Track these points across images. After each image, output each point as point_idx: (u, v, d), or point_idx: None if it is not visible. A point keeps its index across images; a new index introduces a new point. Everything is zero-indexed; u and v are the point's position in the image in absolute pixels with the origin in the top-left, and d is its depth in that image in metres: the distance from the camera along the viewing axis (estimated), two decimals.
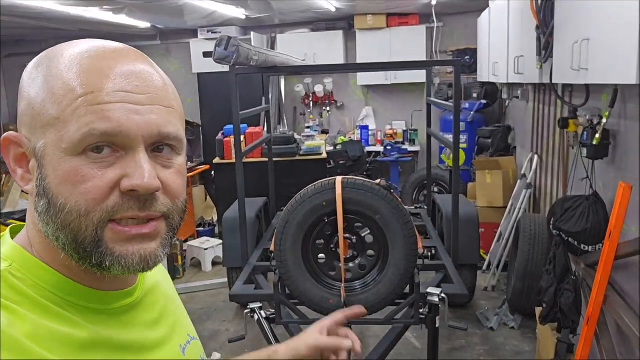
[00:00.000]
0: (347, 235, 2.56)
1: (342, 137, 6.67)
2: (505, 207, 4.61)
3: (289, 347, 0.98)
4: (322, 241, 2.59)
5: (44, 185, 0.61)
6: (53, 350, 0.57)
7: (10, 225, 0.71)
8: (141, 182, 0.60)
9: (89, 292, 0.65)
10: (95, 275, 0.64)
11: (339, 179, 2.48)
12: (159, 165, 0.64)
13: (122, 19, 5.39)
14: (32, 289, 0.61)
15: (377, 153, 6.52)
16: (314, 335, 0.99)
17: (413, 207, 4.66)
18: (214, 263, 5.12)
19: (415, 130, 6.72)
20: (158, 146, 0.64)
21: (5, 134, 0.64)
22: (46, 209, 0.61)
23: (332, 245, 2.59)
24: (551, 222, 2.73)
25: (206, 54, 3.53)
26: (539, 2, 2.71)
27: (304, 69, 4.31)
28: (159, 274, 0.82)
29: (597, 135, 2.52)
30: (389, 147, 6.40)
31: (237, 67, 2.94)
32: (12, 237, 0.68)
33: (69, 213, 0.59)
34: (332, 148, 6.14)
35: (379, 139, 6.79)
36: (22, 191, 4.52)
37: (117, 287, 0.68)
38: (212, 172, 5.47)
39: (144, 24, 6.11)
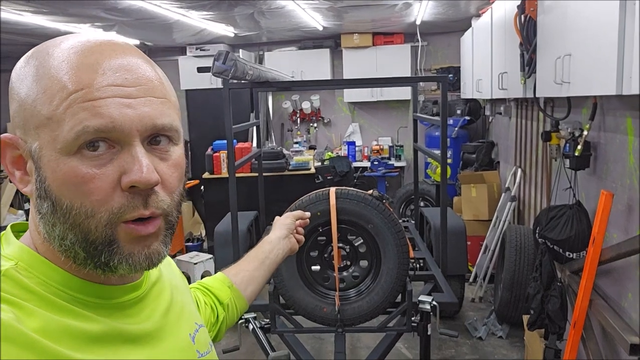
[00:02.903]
0: (341, 245, 2.62)
1: (330, 153, 6.76)
2: (490, 220, 4.72)
3: (274, 227, 1.29)
4: (316, 251, 2.65)
5: (45, 187, 0.60)
6: (65, 344, 0.57)
7: (11, 223, 0.71)
8: (140, 177, 0.60)
9: (97, 287, 0.65)
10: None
11: (332, 189, 2.55)
12: (156, 157, 0.63)
13: (112, 36, 5.43)
14: (39, 286, 0.60)
15: (364, 168, 6.62)
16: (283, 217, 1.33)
17: (401, 221, 4.73)
18: (203, 277, 5.10)
19: (401, 146, 6.85)
20: (154, 137, 0.63)
21: (1, 135, 0.64)
22: (51, 210, 0.60)
23: (325, 255, 2.65)
24: (537, 231, 2.82)
25: (201, 69, 3.57)
26: (522, 20, 2.84)
27: (294, 84, 4.40)
28: (163, 263, 0.80)
29: (579, 147, 2.63)
30: (375, 163, 6.50)
31: (230, 81, 3.00)
32: (14, 234, 0.68)
33: (78, 214, 0.59)
34: (319, 163, 6.22)
35: (366, 154, 6.89)
36: (10, 206, 4.45)
37: (124, 281, 0.69)
38: (202, 187, 5.50)
39: (133, 42, 6.17)
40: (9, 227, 0.69)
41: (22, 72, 0.62)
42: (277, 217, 1.35)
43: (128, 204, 0.60)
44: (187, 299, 0.85)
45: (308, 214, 1.39)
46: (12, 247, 0.65)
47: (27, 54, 0.64)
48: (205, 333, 0.84)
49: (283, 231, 1.27)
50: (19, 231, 0.70)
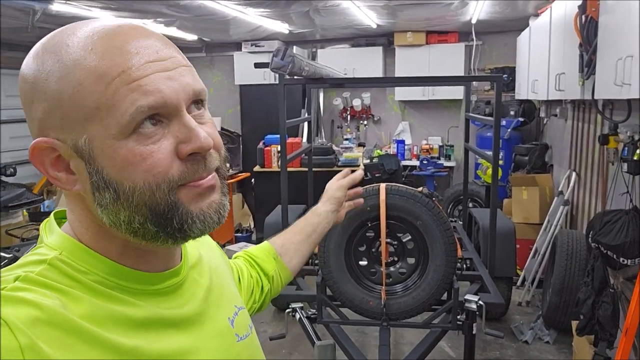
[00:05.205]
0: (389, 240, 2.66)
1: (379, 151, 6.78)
2: (541, 224, 4.63)
3: (324, 198, 1.26)
4: (364, 245, 2.69)
5: (104, 177, 0.60)
6: (110, 329, 0.59)
7: (55, 210, 0.71)
8: (200, 144, 0.61)
9: (139, 274, 0.66)
10: (144, 259, 0.66)
11: (382, 185, 2.59)
12: (197, 122, 0.64)
13: (172, 31, 5.65)
14: (83, 275, 0.61)
15: (413, 167, 6.61)
16: (334, 182, 1.29)
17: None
18: None
19: (451, 146, 6.79)
20: (194, 104, 0.64)
21: (34, 141, 0.61)
22: (114, 198, 0.60)
23: (373, 249, 2.69)
24: (590, 235, 2.77)
25: (258, 65, 3.65)
26: (583, 20, 2.79)
27: (347, 81, 4.46)
28: (201, 246, 0.83)
29: (638, 151, 2.57)
30: (425, 162, 6.47)
31: (286, 77, 3.08)
32: (57, 221, 0.69)
33: (142, 193, 0.60)
34: (368, 161, 6.25)
35: (415, 153, 6.87)
36: None
37: (165, 267, 0.70)
38: (252, 180, 5.65)
39: (191, 37, 6.38)
40: (52, 215, 0.69)
41: (43, 71, 0.59)
42: (329, 184, 1.29)
43: (188, 171, 0.62)
44: (227, 281, 0.85)
45: (360, 189, 1.33)
46: (55, 236, 0.65)
47: (33, 53, 0.62)
48: (245, 315, 0.84)
49: (333, 205, 1.25)
50: (62, 218, 0.70)
